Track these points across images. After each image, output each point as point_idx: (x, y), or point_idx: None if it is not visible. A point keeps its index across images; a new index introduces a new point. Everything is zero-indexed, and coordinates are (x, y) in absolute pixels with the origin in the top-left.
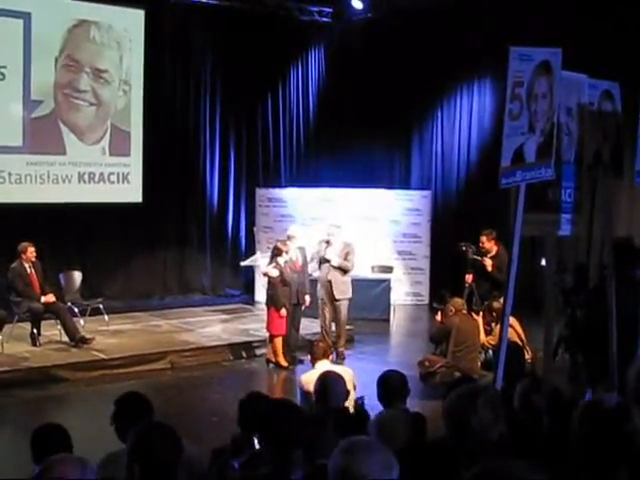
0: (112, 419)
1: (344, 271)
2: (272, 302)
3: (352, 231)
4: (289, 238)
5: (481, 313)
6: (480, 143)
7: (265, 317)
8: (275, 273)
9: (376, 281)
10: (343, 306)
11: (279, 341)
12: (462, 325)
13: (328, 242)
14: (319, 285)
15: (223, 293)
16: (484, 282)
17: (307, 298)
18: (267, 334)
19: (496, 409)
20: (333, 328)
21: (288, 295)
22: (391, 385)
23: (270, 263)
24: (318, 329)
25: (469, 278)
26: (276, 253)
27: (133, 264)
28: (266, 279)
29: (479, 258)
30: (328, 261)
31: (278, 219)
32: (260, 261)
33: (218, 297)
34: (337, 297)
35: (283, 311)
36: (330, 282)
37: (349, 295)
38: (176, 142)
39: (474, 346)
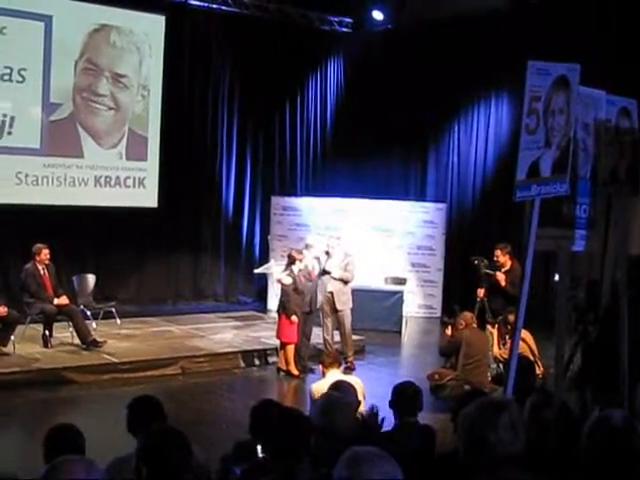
0: (127, 423)
1: (344, 282)
2: (283, 309)
3: (366, 242)
4: (307, 247)
5: (496, 326)
6: (496, 156)
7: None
8: (288, 280)
9: (389, 293)
10: (346, 316)
11: (290, 349)
12: (472, 339)
13: (328, 253)
14: (320, 296)
15: (236, 300)
16: (497, 297)
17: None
18: (278, 342)
19: (516, 427)
20: (338, 338)
21: (300, 303)
22: (406, 396)
23: (284, 271)
24: (326, 337)
25: (481, 292)
26: (291, 261)
27: (146, 269)
28: (279, 286)
29: (491, 272)
30: (328, 273)
31: (292, 228)
32: (274, 269)
33: (231, 304)
34: (339, 308)
35: (294, 318)
36: (332, 293)
37: (350, 305)
38: (193, 148)
39: (484, 360)
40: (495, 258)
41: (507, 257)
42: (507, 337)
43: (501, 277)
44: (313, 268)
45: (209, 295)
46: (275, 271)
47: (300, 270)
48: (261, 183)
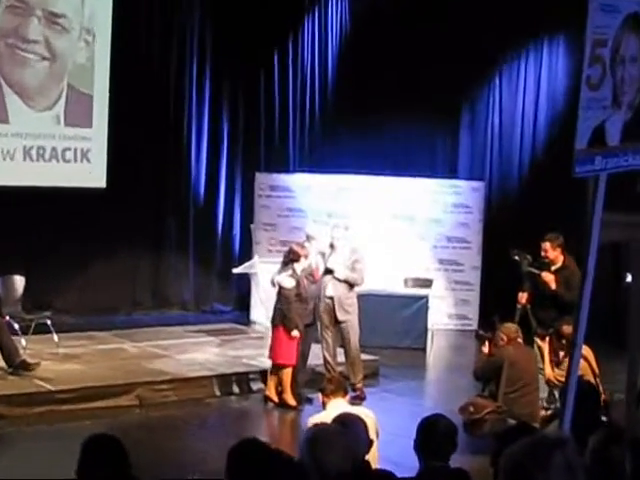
0: (79, 470)
1: (350, 285)
2: (282, 321)
3: (380, 233)
4: (308, 239)
5: (547, 339)
6: (549, 120)
7: (269, 340)
8: (291, 284)
9: (410, 299)
10: (350, 329)
11: (287, 373)
12: (517, 358)
13: (332, 247)
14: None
15: (209, 309)
16: (545, 302)
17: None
18: (270, 363)
19: (574, 471)
20: (342, 358)
21: (303, 313)
22: (436, 435)
23: (283, 270)
24: (327, 358)
25: (523, 297)
26: (293, 258)
27: (92, 269)
28: (271, 291)
29: (536, 272)
30: (330, 272)
31: (283, 214)
32: (258, 268)
33: (203, 314)
34: (341, 318)
35: (295, 333)
36: (332, 299)
37: (356, 315)
38: (152, 112)
39: (532, 385)
40: (543, 253)
41: (558, 251)
42: (561, 354)
43: (549, 277)
44: (317, 267)
45: (174, 302)
46: (261, 271)
47: (303, 270)
48: (242, 156)
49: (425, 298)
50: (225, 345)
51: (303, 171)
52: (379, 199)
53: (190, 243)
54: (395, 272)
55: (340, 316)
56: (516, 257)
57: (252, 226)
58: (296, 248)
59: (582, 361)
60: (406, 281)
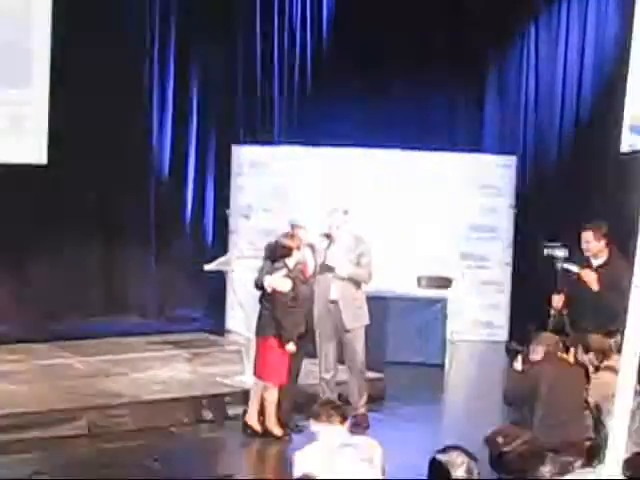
0: None
1: (357, 284)
2: (275, 332)
3: (387, 220)
4: (294, 228)
5: (590, 356)
6: (598, 79)
7: (252, 353)
8: (287, 286)
9: (424, 302)
10: (356, 340)
11: (273, 395)
12: (557, 377)
13: (329, 237)
14: (315, 309)
15: (175, 315)
16: (586, 307)
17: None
18: (251, 382)
19: None
20: (341, 376)
21: (299, 321)
22: (455, 474)
23: (273, 269)
24: (324, 375)
25: (558, 301)
26: (283, 253)
27: (29, 265)
28: (254, 293)
29: (574, 269)
30: (330, 269)
31: (266, 196)
32: (236, 264)
33: (167, 321)
34: (348, 326)
35: (291, 346)
36: (337, 304)
37: (366, 322)
38: (105, 71)
39: (577, 411)
40: (584, 245)
41: (603, 244)
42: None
43: (590, 276)
44: (306, 262)
45: (132, 307)
46: (238, 267)
47: (296, 266)
48: (215, 125)
49: (443, 302)
50: (195, 360)
51: (292, 143)
52: (386, 178)
53: (152, 234)
54: (406, 269)
55: (349, 324)
56: (550, 251)
57: (228, 212)
58: (285, 240)
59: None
60: (419, 280)
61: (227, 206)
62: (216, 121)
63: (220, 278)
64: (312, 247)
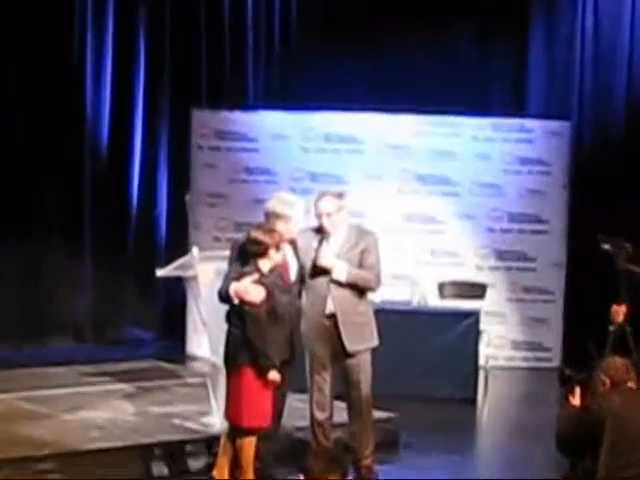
0: None
1: (360, 291)
2: (252, 358)
3: (399, 208)
4: (271, 219)
5: None
6: None
7: (222, 389)
8: (260, 294)
9: (449, 317)
10: (362, 367)
11: (250, 443)
12: (629, 412)
13: (321, 231)
14: (304, 324)
15: (118, 337)
16: None
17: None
18: (225, 427)
19: None
20: (344, 417)
21: (281, 342)
22: None
23: (242, 273)
24: (317, 415)
25: (618, 312)
26: (255, 252)
27: None
28: (221, 308)
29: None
30: (323, 272)
31: (239, 177)
32: (199, 268)
33: (108, 346)
34: (350, 349)
35: (274, 375)
36: (335, 319)
37: (373, 343)
38: (26, 21)
39: None
40: None
41: None
42: None
43: None
44: (286, 264)
45: (61, 328)
46: (201, 272)
47: (273, 270)
48: (169, 85)
49: (474, 316)
50: (144, 396)
51: (270, 107)
52: (395, 152)
53: (86, 228)
54: (424, 273)
55: (350, 345)
56: (607, 247)
57: (187, 198)
58: (258, 235)
59: None
60: (442, 288)
61: (187, 191)
62: (170, 80)
63: (178, 287)
64: (294, 244)
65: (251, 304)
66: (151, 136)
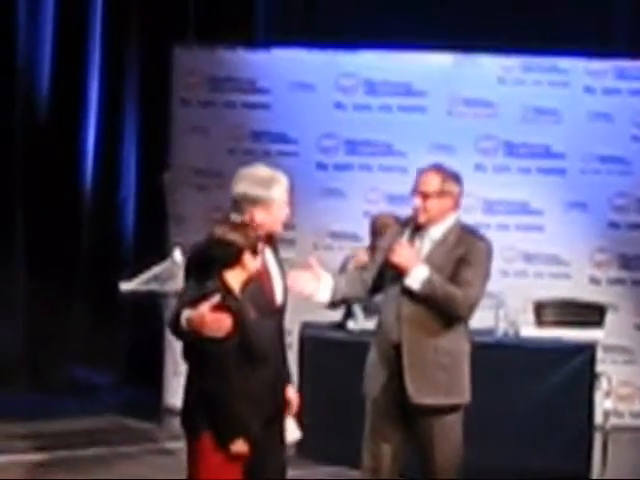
0: None
1: (446, 315)
2: (206, 419)
3: (476, 189)
4: (241, 204)
5: None
6: None
7: (184, 464)
8: (223, 324)
9: (553, 353)
10: (441, 428)
11: None
12: None
13: (414, 221)
14: (371, 354)
15: (65, 383)
16: None
17: (293, 397)
18: None
19: None
20: None
21: (263, 393)
22: None
23: (202, 294)
24: None
25: None
26: (224, 258)
27: None
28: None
29: None
30: (401, 275)
31: (242, 145)
32: (180, 281)
33: (50, 395)
34: (416, 400)
35: (239, 446)
36: (398, 350)
37: (461, 398)
38: None
39: None
40: None
41: None
42: None
43: None
44: (267, 273)
45: None
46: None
47: (246, 285)
48: (140, 11)
49: (588, 352)
50: (103, 469)
51: (289, 44)
52: (472, 110)
53: (16, 225)
54: (514, 288)
55: (417, 395)
56: None
57: (166, 177)
58: (227, 233)
59: None
60: (540, 310)
61: (165, 168)
62: (143, 3)
63: (151, 309)
64: (274, 242)
65: (213, 339)
66: (113, 87)
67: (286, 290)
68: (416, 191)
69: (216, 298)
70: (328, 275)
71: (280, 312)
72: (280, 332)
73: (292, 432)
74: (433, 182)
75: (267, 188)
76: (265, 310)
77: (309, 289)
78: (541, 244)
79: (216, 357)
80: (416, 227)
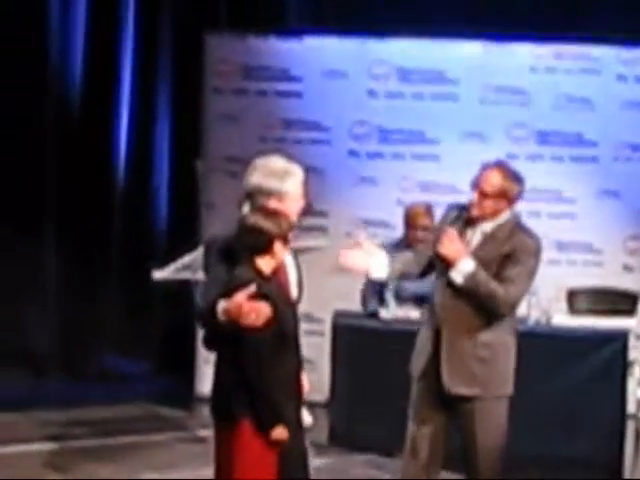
0: None
1: (488, 311)
2: (247, 407)
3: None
4: (255, 196)
5: None
6: None
7: (211, 453)
8: (263, 313)
9: (585, 342)
10: (480, 413)
11: None
12: None
13: (468, 213)
14: (418, 341)
15: (97, 371)
16: None
17: (305, 383)
18: None
19: None
20: None
21: (292, 380)
22: None
23: (235, 282)
24: None
25: None
26: (256, 245)
27: None
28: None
29: None
30: (449, 267)
31: (274, 134)
32: None
33: (83, 383)
34: (451, 389)
35: (279, 432)
36: (439, 338)
37: (507, 391)
38: None
39: None
40: None
41: None
42: None
43: None
44: (283, 266)
45: (15, 357)
46: None
47: (274, 275)
48: (170, 2)
49: (620, 340)
50: (135, 457)
51: (322, 32)
52: (504, 98)
53: (47, 214)
54: (546, 277)
55: (452, 384)
56: None
57: (199, 165)
58: (261, 221)
59: None
60: (573, 298)
61: (197, 156)
62: None
63: (183, 297)
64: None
65: (251, 329)
66: (145, 75)
67: (301, 284)
68: (476, 186)
69: (252, 287)
70: (381, 251)
71: (294, 306)
72: (296, 322)
73: (306, 418)
74: (494, 181)
75: (281, 180)
76: (284, 297)
77: (363, 265)
78: (574, 232)
79: (255, 345)
80: (469, 218)
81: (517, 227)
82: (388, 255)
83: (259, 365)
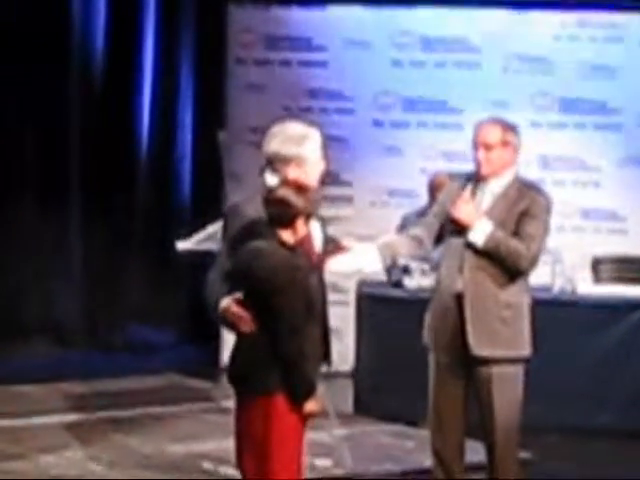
0: None
1: (509, 270)
2: (279, 380)
3: (532, 146)
4: (274, 163)
5: None
6: None
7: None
8: (244, 320)
9: (610, 310)
10: (499, 381)
11: None
12: None
13: (476, 176)
14: (431, 308)
15: (122, 342)
16: None
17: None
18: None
19: None
20: (478, 457)
21: (318, 349)
22: None
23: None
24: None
25: None
26: (281, 218)
27: None
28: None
29: None
30: (464, 230)
31: (299, 103)
32: None
33: (107, 354)
34: (476, 351)
35: (312, 405)
36: (461, 300)
37: (521, 351)
38: None
39: None
40: None
41: None
42: None
43: None
44: (309, 233)
45: (39, 328)
46: None
47: (299, 246)
48: None
49: None
50: (160, 428)
51: (341, 1)
52: (528, 66)
53: (71, 185)
54: (571, 245)
55: (477, 346)
56: None
57: (222, 136)
58: (291, 195)
59: None
60: (598, 266)
61: (221, 126)
62: None
63: (207, 267)
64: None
65: (285, 301)
66: (168, 46)
67: (324, 242)
68: (478, 143)
69: (238, 294)
70: (368, 245)
71: (321, 274)
72: (322, 284)
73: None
74: (494, 133)
75: (299, 145)
76: (310, 265)
77: (353, 267)
78: (598, 200)
79: (291, 316)
80: (477, 181)
81: (525, 185)
82: (380, 242)
83: (293, 337)
